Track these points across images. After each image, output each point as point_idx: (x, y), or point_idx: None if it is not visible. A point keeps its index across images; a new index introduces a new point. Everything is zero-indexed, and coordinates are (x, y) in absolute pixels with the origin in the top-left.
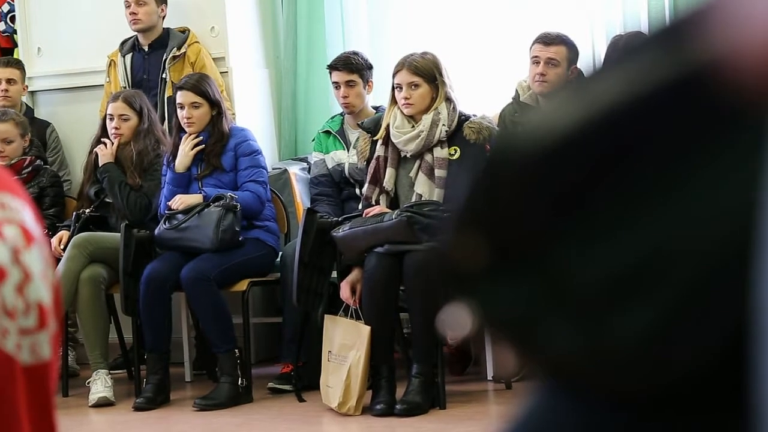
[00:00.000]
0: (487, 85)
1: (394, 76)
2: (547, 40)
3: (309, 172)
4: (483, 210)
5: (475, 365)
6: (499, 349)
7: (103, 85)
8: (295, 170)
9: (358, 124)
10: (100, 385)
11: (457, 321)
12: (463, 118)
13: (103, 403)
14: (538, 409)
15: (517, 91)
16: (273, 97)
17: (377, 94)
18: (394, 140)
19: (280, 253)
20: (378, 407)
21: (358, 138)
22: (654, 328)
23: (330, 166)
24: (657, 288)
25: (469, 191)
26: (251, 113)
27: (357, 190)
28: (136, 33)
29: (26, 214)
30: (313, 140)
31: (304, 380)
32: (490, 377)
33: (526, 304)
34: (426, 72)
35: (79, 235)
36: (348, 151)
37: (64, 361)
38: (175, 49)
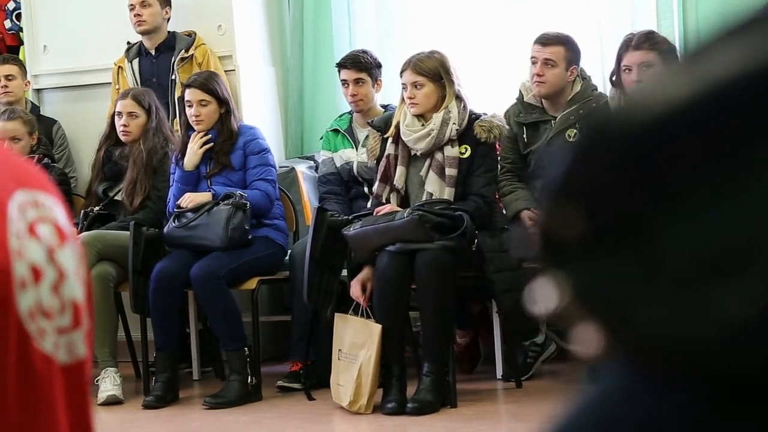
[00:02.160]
0: (493, 85)
1: (401, 75)
2: (544, 40)
3: (316, 170)
4: (582, 181)
5: (484, 363)
6: (582, 328)
7: (110, 83)
8: (302, 168)
9: (368, 123)
10: (108, 383)
11: (544, 295)
12: (474, 117)
13: (112, 402)
14: (609, 391)
15: (520, 91)
16: (280, 95)
17: (385, 93)
18: (404, 138)
19: (289, 251)
20: (389, 406)
21: (367, 136)
22: (752, 309)
23: (338, 165)
24: (757, 268)
25: (570, 161)
26: (258, 111)
27: (365, 189)
28: (140, 36)
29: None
30: (321, 138)
31: (314, 379)
32: (499, 376)
33: (620, 281)
34: (430, 71)
35: (87, 233)
36: (357, 149)
37: None
38: (183, 51)
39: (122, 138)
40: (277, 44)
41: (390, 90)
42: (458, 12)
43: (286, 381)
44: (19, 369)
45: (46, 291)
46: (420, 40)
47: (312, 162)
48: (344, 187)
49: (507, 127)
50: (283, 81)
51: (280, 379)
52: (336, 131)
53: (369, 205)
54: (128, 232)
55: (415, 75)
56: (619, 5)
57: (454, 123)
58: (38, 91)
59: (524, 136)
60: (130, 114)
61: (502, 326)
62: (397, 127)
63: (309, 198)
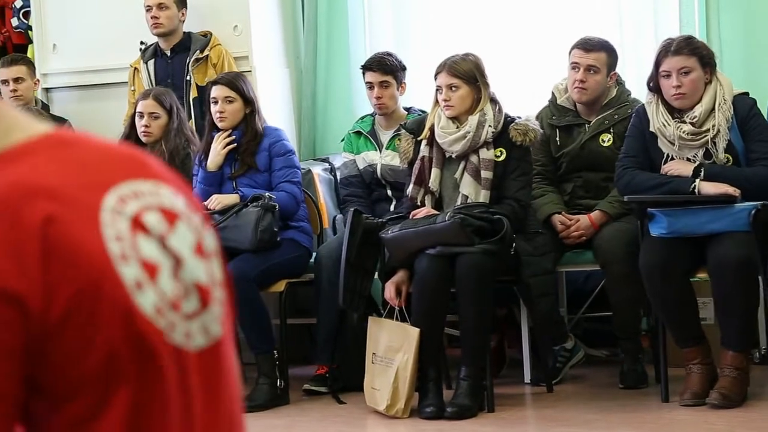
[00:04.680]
0: (512, 86)
1: (435, 77)
2: (587, 46)
3: (331, 172)
4: None
5: (509, 367)
6: None
7: (120, 82)
8: (318, 170)
9: (401, 125)
10: None
11: None
12: (509, 120)
13: None
14: None
15: (553, 93)
16: (294, 96)
17: (404, 95)
18: (439, 141)
19: (314, 253)
20: (428, 410)
21: (391, 138)
22: None
23: (361, 167)
24: None
25: None
26: (272, 112)
27: (388, 191)
28: (156, 37)
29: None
30: (342, 140)
31: (340, 382)
32: (527, 380)
33: None
34: (465, 74)
35: None
36: (380, 152)
37: None
38: (198, 51)
39: (143, 139)
40: (291, 46)
41: (408, 92)
42: (475, 13)
43: (312, 384)
44: (140, 372)
45: (167, 281)
46: (437, 42)
47: (327, 164)
48: (366, 190)
49: (541, 130)
50: (297, 83)
51: (302, 382)
52: (358, 133)
53: (392, 207)
54: None
55: (450, 77)
56: (642, 10)
57: (489, 125)
58: (47, 90)
59: (557, 138)
60: (151, 114)
61: (536, 330)
62: (431, 129)
63: (325, 200)
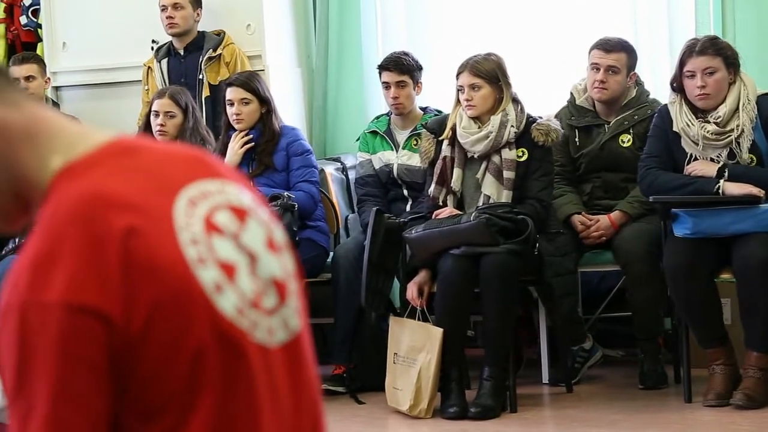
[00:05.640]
0: (527, 86)
1: (457, 77)
2: (607, 46)
3: (343, 172)
4: None
5: (526, 368)
6: None
7: (130, 81)
8: (330, 170)
9: (421, 125)
10: None
11: None
12: (531, 120)
13: None
14: None
15: (572, 94)
16: (305, 96)
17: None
18: (461, 140)
19: (331, 253)
20: (451, 410)
21: (408, 138)
22: None
23: (377, 167)
24: None
25: None
26: (285, 112)
27: (404, 191)
28: (170, 37)
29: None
30: (358, 140)
31: (357, 382)
32: (545, 380)
33: None
34: (488, 73)
35: None
36: (397, 151)
37: None
38: (211, 50)
39: (158, 138)
40: (303, 45)
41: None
42: (489, 12)
43: (330, 384)
44: (228, 374)
45: (245, 280)
46: (450, 41)
47: (339, 164)
48: (382, 189)
49: (562, 131)
50: (308, 82)
51: (323, 382)
52: (374, 133)
53: (408, 207)
54: None
55: (472, 77)
56: (656, 10)
57: (512, 125)
58: (57, 88)
59: (576, 139)
60: (167, 113)
61: (556, 330)
62: (453, 129)
63: (337, 199)
